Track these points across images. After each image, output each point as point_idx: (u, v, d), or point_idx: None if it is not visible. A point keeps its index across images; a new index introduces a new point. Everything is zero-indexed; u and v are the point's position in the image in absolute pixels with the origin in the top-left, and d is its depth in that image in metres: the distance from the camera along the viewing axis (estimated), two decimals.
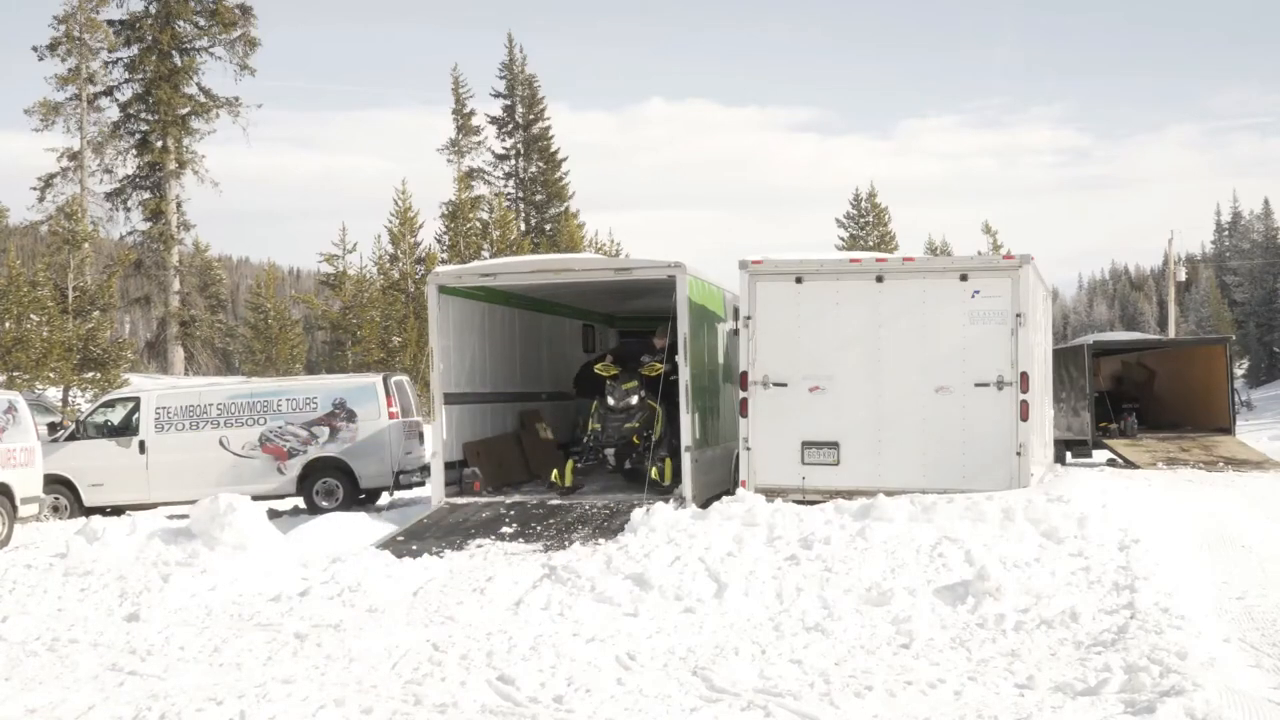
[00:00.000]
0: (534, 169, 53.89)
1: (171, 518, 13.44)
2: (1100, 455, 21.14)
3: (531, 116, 53.83)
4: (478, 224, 44.41)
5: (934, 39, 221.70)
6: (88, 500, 16.30)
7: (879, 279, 11.92)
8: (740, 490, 11.61)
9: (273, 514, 14.00)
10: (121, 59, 43.24)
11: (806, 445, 11.91)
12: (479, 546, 11.00)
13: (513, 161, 54.08)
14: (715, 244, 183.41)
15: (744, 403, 12.02)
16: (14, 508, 14.03)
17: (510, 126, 53.67)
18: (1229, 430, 21.37)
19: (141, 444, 16.23)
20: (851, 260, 12.58)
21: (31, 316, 29.25)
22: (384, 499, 16.66)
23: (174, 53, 42.98)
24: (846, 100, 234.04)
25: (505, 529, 11.56)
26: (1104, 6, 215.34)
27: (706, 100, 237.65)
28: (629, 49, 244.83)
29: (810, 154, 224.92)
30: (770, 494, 11.35)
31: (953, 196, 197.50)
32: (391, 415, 16.11)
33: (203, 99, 43.53)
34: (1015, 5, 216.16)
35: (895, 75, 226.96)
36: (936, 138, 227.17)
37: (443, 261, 37.85)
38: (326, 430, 16.01)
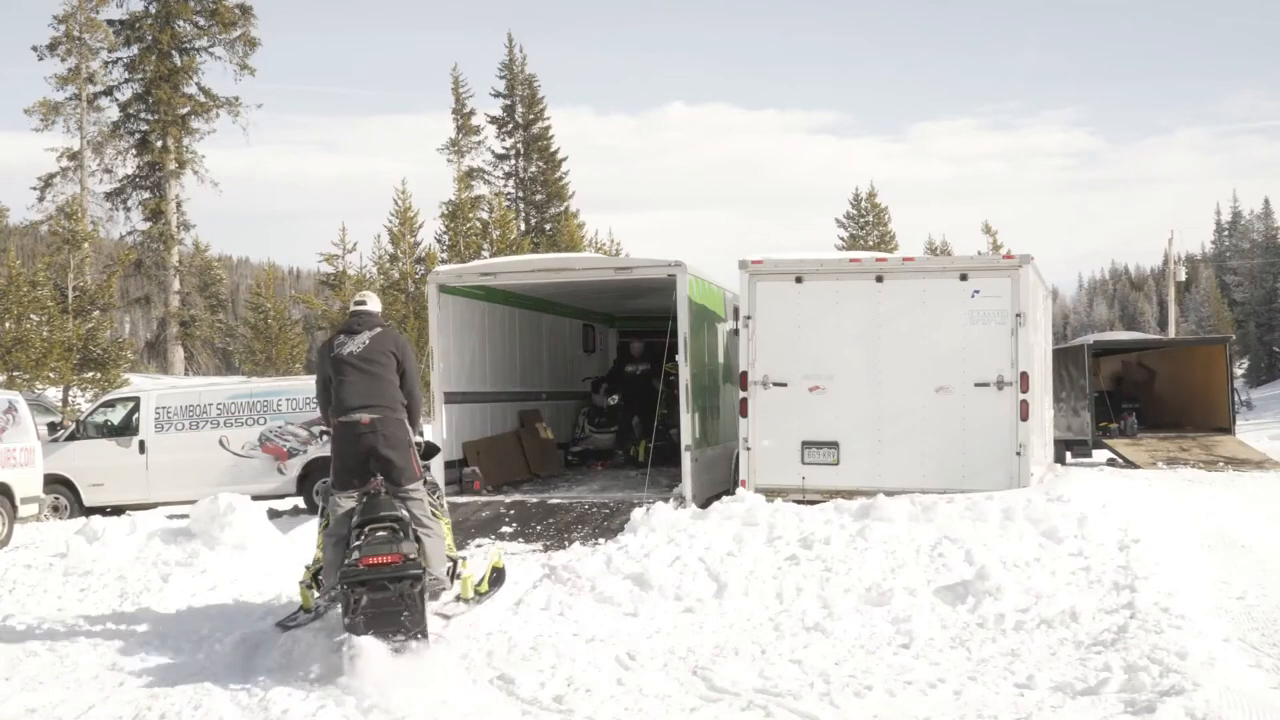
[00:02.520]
0: (534, 169, 53.89)
1: (171, 518, 13.44)
2: (1100, 455, 21.16)
3: (531, 116, 53.83)
4: (478, 224, 44.41)
5: (951, 43, 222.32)
6: (88, 500, 16.30)
7: (879, 279, 11.92)
8: (740, 490, 11.60)
9: (273, 514, 14.00)
10: (121, 59, 43.26)
11: (806, 445, 11.91)
12: (478, 546, 10.99)
13: (513, 161, 54.08)
14: (729, 245, 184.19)
15: (744, 403, 12.02)
16: (14, 508, 14.04)
17: (510, 126, 53.67)
18: (1229, 430, 21.40)
19: (141, 444, 16.23)
20: (851, 260, 12.58)
21: (31, 316, 29.24)
22: None
23: (174, 52, 42.98)
24: (864, 103, 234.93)
25: (505, 528, 11.55)
26: (1121, 10, 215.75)
27: (727, 104, 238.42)
28: (652, 54, 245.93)
29: (826, 156, 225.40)
30: (770, 494, 11.34)
31: (961, 198, 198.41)
32: None
33: (202, 99, 43.53)
34: (1034, 10, 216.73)
35: (912, 79, 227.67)
36: (948, 140, 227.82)
37: (443, 261, 37.85)
38: None
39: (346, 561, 6.97)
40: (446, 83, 51.21)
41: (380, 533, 7.13)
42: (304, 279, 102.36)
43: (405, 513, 7.38)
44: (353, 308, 7.93)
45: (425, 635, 6.80)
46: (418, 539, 7.31)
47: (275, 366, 43.39)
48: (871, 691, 6.36)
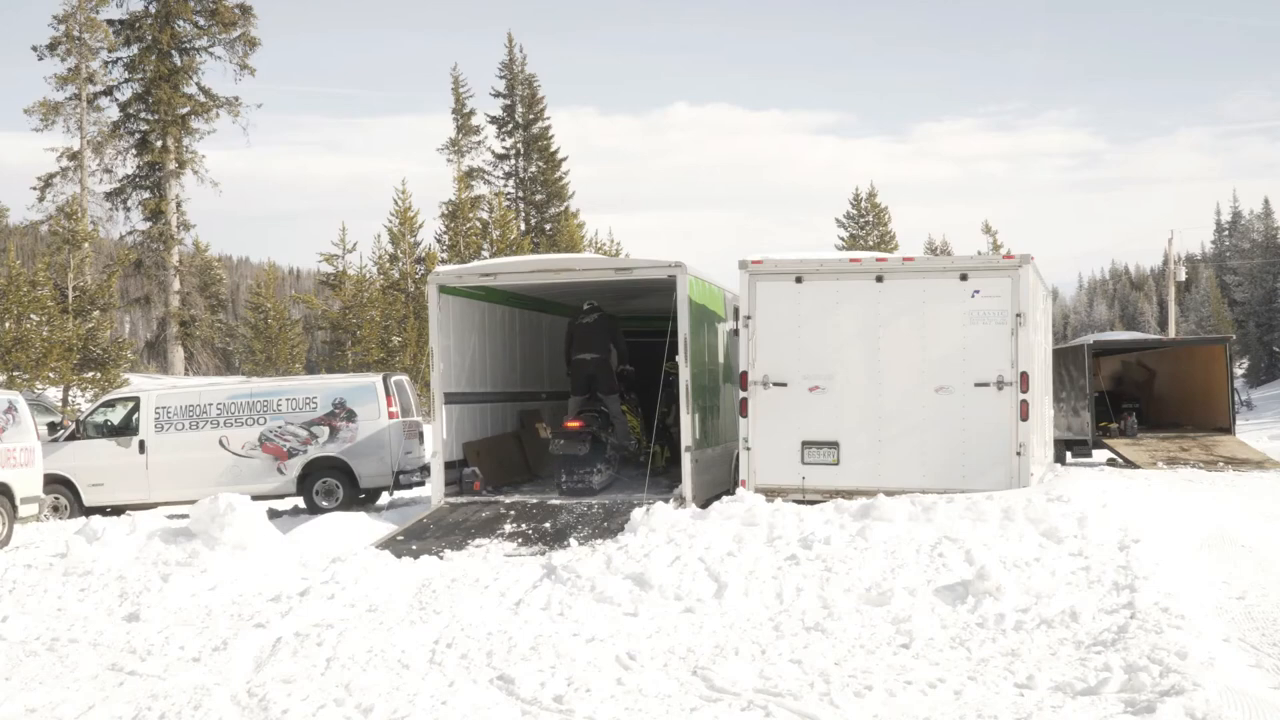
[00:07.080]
0: (534, 169, 53.93)
1: (171, 518, 13.44)
2: (1100, 455, 21.14)
3: (531, 116, 53.86)
4: (478, 224, 44.46)
5: (953, 44, 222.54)
6: (88, 500, 16.29)
7: (879, 279, 11.92)
8: (740, 490, 11.60)
9: (273, 514, 14.00)
10: (121, 59, 43.33)
11: (806, 445, 11.91)
12: (479, 546, 11.00)
13: (513, 161, 54.12)
14: (729, 245, 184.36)
15: (744, 403, 12.02)
16: (14, 508, 14.03)
17: (510, 126, 53.70)
18: (1229, 430, 21.36)
19: (141, 444, 16.23)
20: (851, 260, 12.57)
21: (31, 316, 29.26)
22: (384, 499, 16.66)
23: (174, 52, 43.02)
24: (866, 104, 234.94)
25: (505, 529, 11.56)
26: (1122, 11, 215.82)
27: (730, 104, 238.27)
28: (656, 55, 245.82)
29: (828, 156, 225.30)
30: (770, 494, 11.34)
31: (962, 198, 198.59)
32: (391, 415, 16.10)
33: (202, 99, 43.58)
34: (1036, 11, 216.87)
35: (914, 79, 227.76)
36: (951, 141, 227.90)
37: (443, 261, 37.89)
38: (326, 430, 16.01)
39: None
40: (447, 83, 51.37)
41: (591, 413, 13.55)
42: (304, 279, 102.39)
43: (606, 409, 13.81)
44: (585, 306, 14.11)
45: (593, 470, 13.23)
46: (610, 424, 13.76)
47: (275, 366, 43.45)
48: (871, 691, 6.37)
